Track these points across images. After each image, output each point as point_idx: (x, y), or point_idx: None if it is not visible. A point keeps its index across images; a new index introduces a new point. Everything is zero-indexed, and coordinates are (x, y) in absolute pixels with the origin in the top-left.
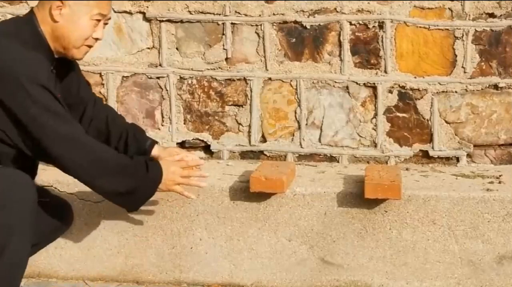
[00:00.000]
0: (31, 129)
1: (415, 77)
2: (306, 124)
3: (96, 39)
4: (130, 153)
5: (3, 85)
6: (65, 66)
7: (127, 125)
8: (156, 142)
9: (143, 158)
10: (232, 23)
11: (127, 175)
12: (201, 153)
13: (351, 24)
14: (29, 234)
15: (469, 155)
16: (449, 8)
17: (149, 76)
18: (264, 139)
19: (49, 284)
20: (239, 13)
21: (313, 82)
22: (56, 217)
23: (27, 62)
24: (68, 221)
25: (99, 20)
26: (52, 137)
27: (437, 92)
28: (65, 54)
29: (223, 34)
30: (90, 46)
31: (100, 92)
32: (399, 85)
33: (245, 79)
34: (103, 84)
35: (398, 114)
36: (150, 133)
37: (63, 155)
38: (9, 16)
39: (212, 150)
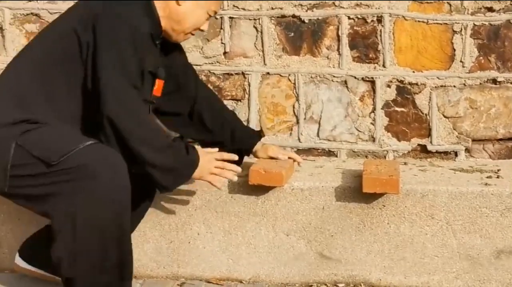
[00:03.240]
0: (97, 72)
1: (413, 72)
2: (305, 119)
3: (201, 30)
4: (232, 147)
5: (103, 25)
6: (172, 48)
7: (233, 124)
8: (259, 140)
9: (183, 142)
10: (230, 17)
11: (169, 152)
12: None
13: (349, 18)
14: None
15: (467, 150)
16: (447, 2)
17: None
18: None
19: (48, 281)
20: (237, 7)
21: (311, 77)
22: (145, 184)
23: (135, 17)
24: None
25: (210, 16)
26: (112, 89)
27: (435, 87)
28: (170, 35)
29: (221, 28)
30: (192, 34)
31: None
32: (397, 80)
33: (243, 74)
34: None
35: (396, 108)
36: None
37: (114, 112)
38: None
39: None
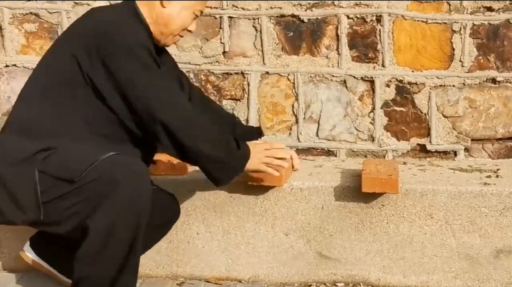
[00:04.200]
0: (131, 90)
1: (412, 71)
2: (304, 118)
3: (189, 31)
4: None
5: (107, 46)
6: (163, 55)
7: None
8: (260, 138)
9: (232, 136)
10: (229, 17)
11: (221, 145)
12: None
13: (348, 17)
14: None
15: (466, 149)
16: (447, 2)
17: None
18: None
19: (47, 280)
20: (236, 6)
21: (310, 76)
22: (165, 209)
23: (131, 27)
24: (177, 212)
25: (197, 16)
26: (154, 97)
27: (434, 86)
28: (159, 40)
29: (221, 28)
30: (181, 36)
31: None
32: (396, 79)
33: (242, 73)
34: None
35: (395, 108)
36: None
37: (166, 115)
38: None
39: None
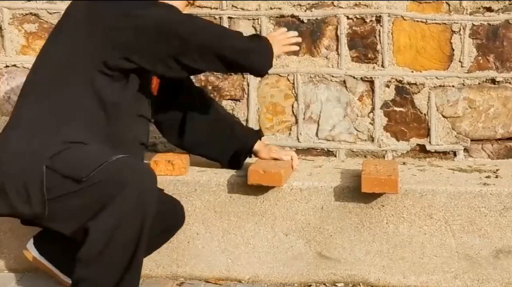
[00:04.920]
0: (156, 24)
1: (412, 72)
2: (304, 119)
3: None
4: (232, 146)
5: (107, 12)
6: None
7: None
8: (259, 139)
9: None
10: (229, 17)
11: (246, 38)
12: None
13: (348, 18)
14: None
15: (466, 150)
16: (446, 2)
17: None
18: None
19: (47, 280)
20: (236, 7)
21: (310, 77)
22: (170, 215)
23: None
24: (181, 219)
25: (189, 3)
26: (177, 21)
27: (434, 87)
28: None
29: None
30: None
31: None
32: (396, 80)
33: (242, 74)
34: None
35: (395, 108)
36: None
37: (195, 30)
38: None
39: None
